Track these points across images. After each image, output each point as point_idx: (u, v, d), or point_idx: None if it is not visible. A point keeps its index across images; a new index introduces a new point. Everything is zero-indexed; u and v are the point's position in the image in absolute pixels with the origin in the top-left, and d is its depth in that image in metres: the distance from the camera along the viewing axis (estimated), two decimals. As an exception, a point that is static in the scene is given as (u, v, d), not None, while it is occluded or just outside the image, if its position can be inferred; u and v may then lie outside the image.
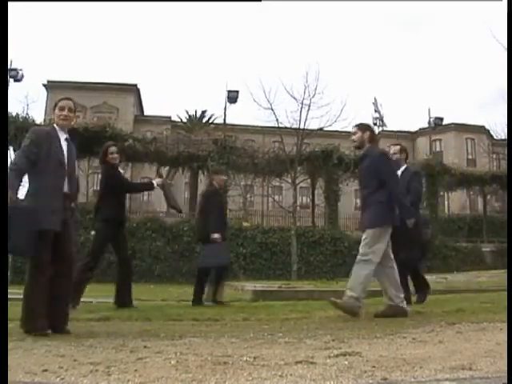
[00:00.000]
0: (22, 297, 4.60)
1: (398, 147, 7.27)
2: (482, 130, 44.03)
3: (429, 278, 14.75)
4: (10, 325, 4.77)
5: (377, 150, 5.90)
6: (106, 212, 6.97)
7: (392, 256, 5.65)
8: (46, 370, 2.80)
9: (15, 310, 5.13)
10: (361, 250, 5.60)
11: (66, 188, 4.54)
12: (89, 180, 24.00)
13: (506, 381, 2.45)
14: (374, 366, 2.80)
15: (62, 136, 4.63)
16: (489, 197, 29.50)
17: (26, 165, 4.38)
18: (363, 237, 5.64)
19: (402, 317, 5.32)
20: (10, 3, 4.53)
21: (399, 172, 6.77)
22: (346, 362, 2.95)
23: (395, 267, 5.64)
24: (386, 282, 5.61)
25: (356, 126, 5.95)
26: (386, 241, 5.57)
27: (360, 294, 5.43)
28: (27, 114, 16.84)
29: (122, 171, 7.51)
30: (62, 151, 4.57)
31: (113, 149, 7.11)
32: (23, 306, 4.48)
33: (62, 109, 4.66)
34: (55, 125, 4.68)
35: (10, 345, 3.71)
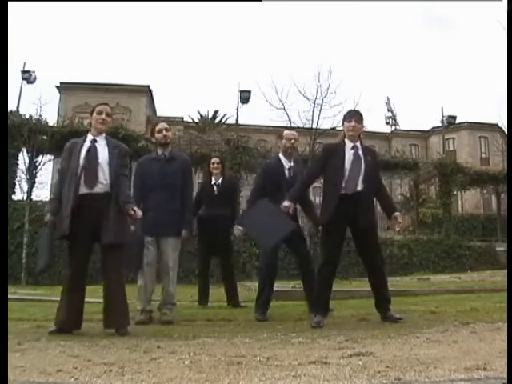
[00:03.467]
0: (38, 298, 4.66)
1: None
2: (495, 128, 43.68)
3: (443, 277, 14.73)
4: (24, 325, 4.83)
5: (183, 154, 5.98)
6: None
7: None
8: (60, 371, 2.82)
9: (30, 311, 5.17)
10: (171, 260, 5.61)
11: (84, 190, 4.58)
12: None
13: (506, 381, 2.44)
14: (387, 366, 2.79)
15: (89, 139, 4.76)
16: (503, 195, 29.28)
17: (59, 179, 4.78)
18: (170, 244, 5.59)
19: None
20: (22, 5, 4.59)
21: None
22: (360, 362, 2.95)
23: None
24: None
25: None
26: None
27: (145, 305, 5.48)
28: (40, 115, 16.86)
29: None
30: (79, 155, 4.66)
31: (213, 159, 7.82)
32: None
33: (99, 113, 4.83)
34: (91, 130, 4.85)
35: (25, 345, 3.75)
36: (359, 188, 5.04)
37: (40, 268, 5.68)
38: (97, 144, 4.73)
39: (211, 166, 7.71)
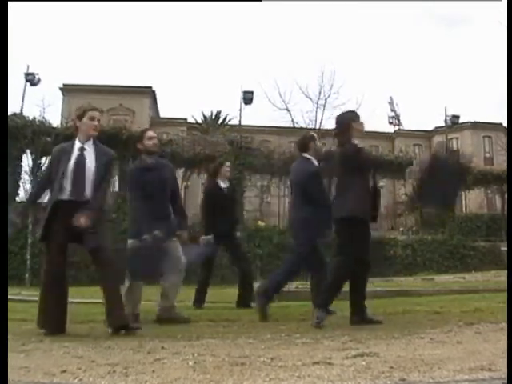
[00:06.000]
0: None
1: None
2: (499, 127, 43.63)
3: (447, 277, 14.70)
4: (28, 326, 4.83)
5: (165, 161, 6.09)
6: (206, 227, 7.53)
7: None
8: (64, 371, 2.82)
9: (33, 312, 5.18)
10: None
11: (66, 196, 4.58)
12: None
13: (506, 381, 2.43)
14: (391, 367, 2.79)
15: (77, 146, 4.71)
16: (507, 195, 29.20)
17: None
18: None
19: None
20: (25, 7, 4.62)
21: None
22: (364, 363, 2.94)
23: None
24: None
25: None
26: None
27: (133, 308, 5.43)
28: (44, 117, 16.93)
29: (223, 185, 7.71)
30: (66, 163, 4.62)
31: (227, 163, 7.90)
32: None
33: (92, 119, 4.76)
34: (79, 135, 4.81)
35: (29, 346, 3.76)
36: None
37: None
38: (85, 152, 4.66)
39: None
